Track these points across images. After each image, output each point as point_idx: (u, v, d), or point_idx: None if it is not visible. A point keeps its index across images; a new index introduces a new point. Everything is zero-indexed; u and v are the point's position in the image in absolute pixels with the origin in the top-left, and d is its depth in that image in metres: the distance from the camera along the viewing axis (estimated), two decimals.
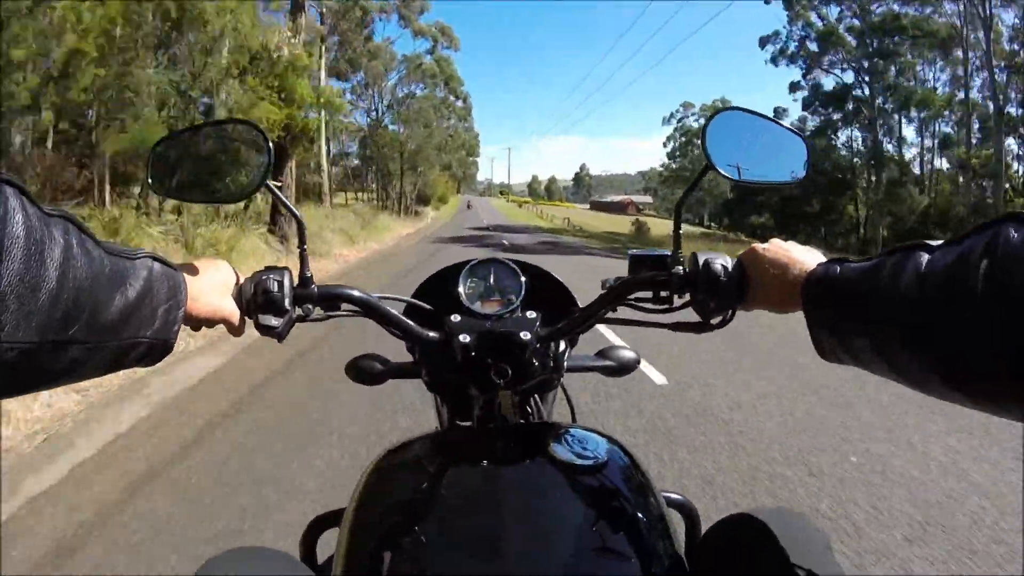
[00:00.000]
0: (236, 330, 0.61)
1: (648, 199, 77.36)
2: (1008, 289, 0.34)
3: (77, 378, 0.43)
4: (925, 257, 0.42)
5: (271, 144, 0.64)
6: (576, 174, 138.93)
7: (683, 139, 51.38)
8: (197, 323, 0.57)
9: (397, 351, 0.83)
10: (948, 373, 0.39)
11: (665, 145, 53.08)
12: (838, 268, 0.50)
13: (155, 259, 0.49)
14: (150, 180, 0.68)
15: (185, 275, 0.53)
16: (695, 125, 51.24)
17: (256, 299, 0.60)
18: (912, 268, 0.42)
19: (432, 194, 37.43)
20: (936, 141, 26.39)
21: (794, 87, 28.63)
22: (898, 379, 0.45)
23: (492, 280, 0.75)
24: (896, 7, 23.39)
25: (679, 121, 52.01)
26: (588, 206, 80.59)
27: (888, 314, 0.43)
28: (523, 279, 0.74)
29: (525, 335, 0.64)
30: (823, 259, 0.56)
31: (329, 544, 0.75)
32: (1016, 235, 0.35)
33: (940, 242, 0.43)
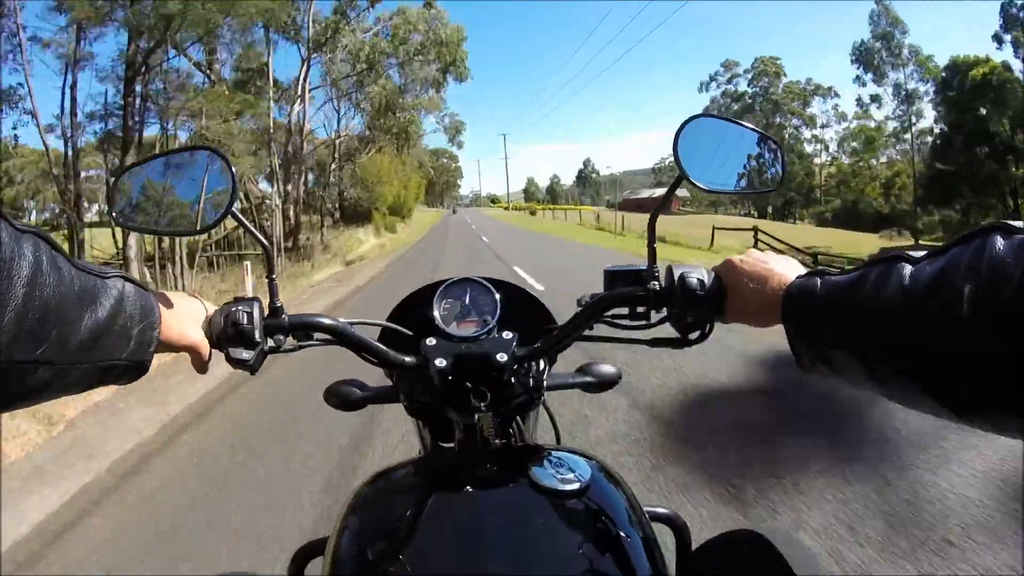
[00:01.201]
0: (201, 364, 0.59)
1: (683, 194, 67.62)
2: (995, 302, 0.33)
3: (48, 397, 0.42)
4: (908, 269, 0.41)
5: (234, 171, 0.63)
6: (580, 172, 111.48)
7: (730, 105, 46.50)
8: (164, 348, 0.56)
9: (377, 373, 0.81)
10: (934, 389, 0.38)
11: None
12: (818, 281, 0.49)
13: (127, 279, 0.48)
14: (112, 213, 0.66)
15: (158, 299, 0.52)
16: (744, 87, 46.67)
17: (226, 331, 0.59)
18: (895, 281, 0.40)
19: (379, 204, 22.48)
20: None
21: None
22: (882, 393, 0.44)
23: (467, 300, 0.74)
24: None
25: (721, 86, 47.19)
26: (607, 207, 63.82)
27: (871, 329, 0.42)
28: (498, 298, 0.73)
29: (502, 357, 0.63)
30: (802, 271, 0.55)
31: (313, 571, 0.73)
32: (1003, 245, 0.34)
33: (923, 253, 0.41)
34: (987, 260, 0.34)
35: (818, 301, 0.48)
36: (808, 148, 47.00)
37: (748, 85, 49.66)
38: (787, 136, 46.05)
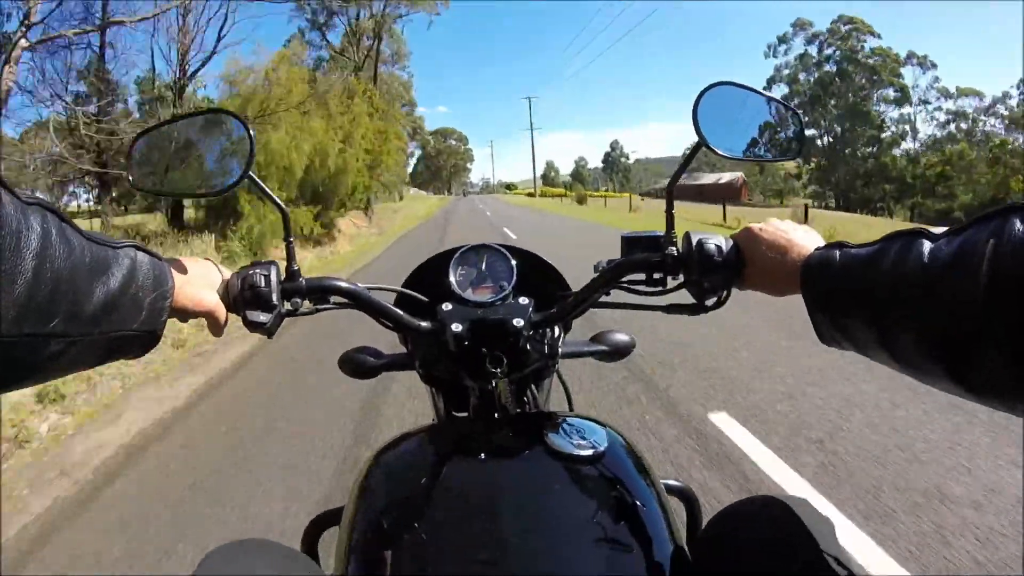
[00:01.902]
0: (218, 327, 0.59)
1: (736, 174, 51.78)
2: (1014, 280, 0.34)
3: (61, 372, 0.42)
4: (927, 245, 0.41)
5: (252, 133, 0.63)
6: (607, 156, 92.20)
7: (802, 74, 37.93)
8: (182, 314, 0.56)
9: (391, 343, 0.81)
10: (951, 364, 0.38)
11: (770, 87, 38.27)
12: (838, 253, 0.49)
13: (139, 249, 0.47)
14: (131, 177, 0.66)
15: (171, 267, 0.52)
16: (822, 50, 37.95)
17: (243, 295, 0.59)
18: (915, 257, 0.41)
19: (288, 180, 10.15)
20: None
21: None
22: (899, 367, 0.44)
23: (483, 266, 0.74)
24: None
25: (789, 49, 38.32)
26: (646, 194, 52.61)
27: (889, 303, 0.43)
28: (514, 264, 0.73)
29: (518, 322, 0.63)
30: (822, 242, 0.55)
31: (325, 542, 0.75)
32: (1021, 226, 0.35)
33: (942, 230, 0.42)
34: (1006, 240, 0.35)
35: (837, 272, 0.48)
36: (888, 128, 38.64)
37: (821, 50, 40.59)
38: (879, 114, 38.41)
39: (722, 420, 2.54)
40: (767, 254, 0.57)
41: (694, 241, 0.60)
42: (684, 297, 0.65)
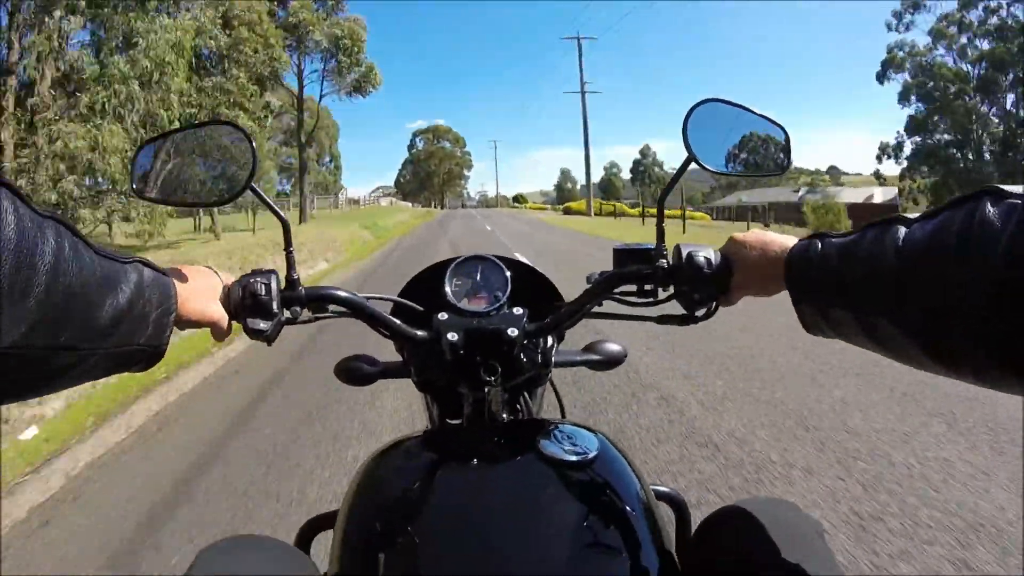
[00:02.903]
0: (222, 334, 0.61)
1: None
2: (986, 261, 0.35)
3: (68, 384, 0.42)
4: (903, 230, 0.43)
5: (255, 145, 0.64)
6: (637, 164, 74.59)
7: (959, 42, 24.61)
8: (185, 326, 0.57)
9: (386, 350, 0.82)
10: (927, 344, 0.40)
11: (885, 78, 27.73)
12: (819, 243, 0.51)
13: (145, 264, 0.49)
14: (133, 185, 0.68)
15: (174, 280, 0.53)
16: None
17: (244, 302, 0.60)
18: (891, 241, 0.43)
19: None
20: None
21: None
22: (879, 350, 0.46)
23: (478, 277, 0.76)
24: None
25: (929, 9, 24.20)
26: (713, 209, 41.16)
27: (867, 288, 0.44)
28: (508, 275, 0.75)
29: (513, 331, 0.65)
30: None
31: (319, 543, 0.75)
32: (992, 208, 0.36)
33: (917, 215, 0.43)
34: (977, 222, 0.36)
35: (817, 262, 0.50)
36: None
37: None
38: None
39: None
40: (751, 254, 0.59)
41: (684, 253, 0.62)
42: (675, 308, 0.66)
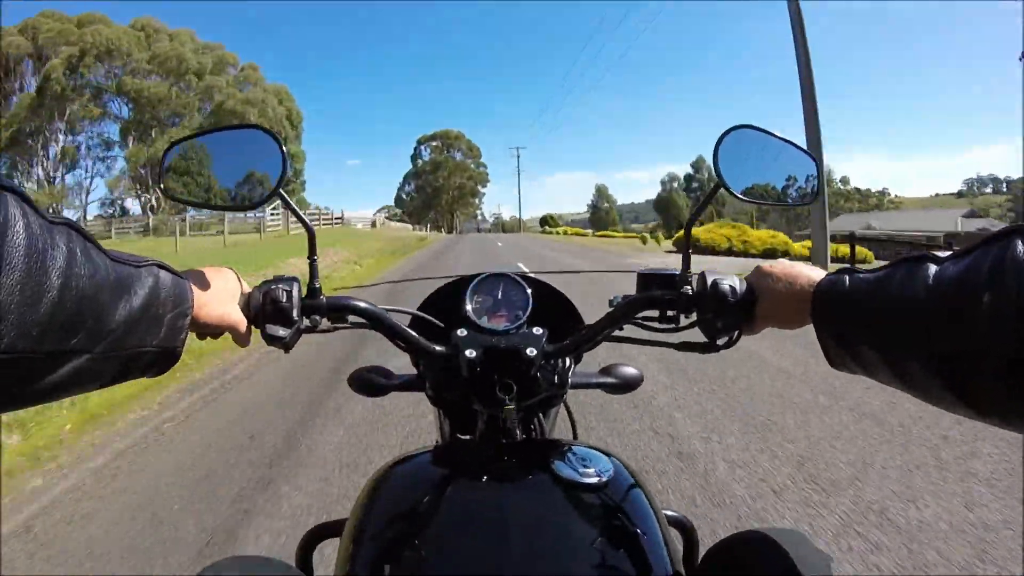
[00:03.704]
0: (242, 339, 0.60)
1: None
2: (1018, 301, 0.34)
3: (80, 389, 0.42)
4: (933, 268, 0.42)
5: (285, 150, 0.64)
6: (690, 177, 66.53)
7: None
8: (203, 330, 0.57)
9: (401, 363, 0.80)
10: (955, 385, 0.39)
11: None
12: (847, 279, 0.50)
13: (161, 267, 0.48)
14: (162, 184, 0.68)
15: (191, 283, 0.52)
16: None
17: (265, 309, 0.60)
18: (921, 279, 0.42)
19: None
20: None
21: None
22: (905, 389, 0.45)
23: (499, 295, 0.75)
24: None
25: None
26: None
27: (896, 327, 0.43)
28: (529, 294, 0.74)
29: (531, 351, 0.64)
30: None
31: (322, 553, 0.74)
32: (1023, 249, 0.35)
33: (948, 253, 0.43)
34: (1009, 262, 0.35)
35: (845, 298, 0.49)
36: None
37: None
38: None
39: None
40: (777, 286, 0.58)
41: (709, 281, 0.61)
42: (696, 335, 0.65)
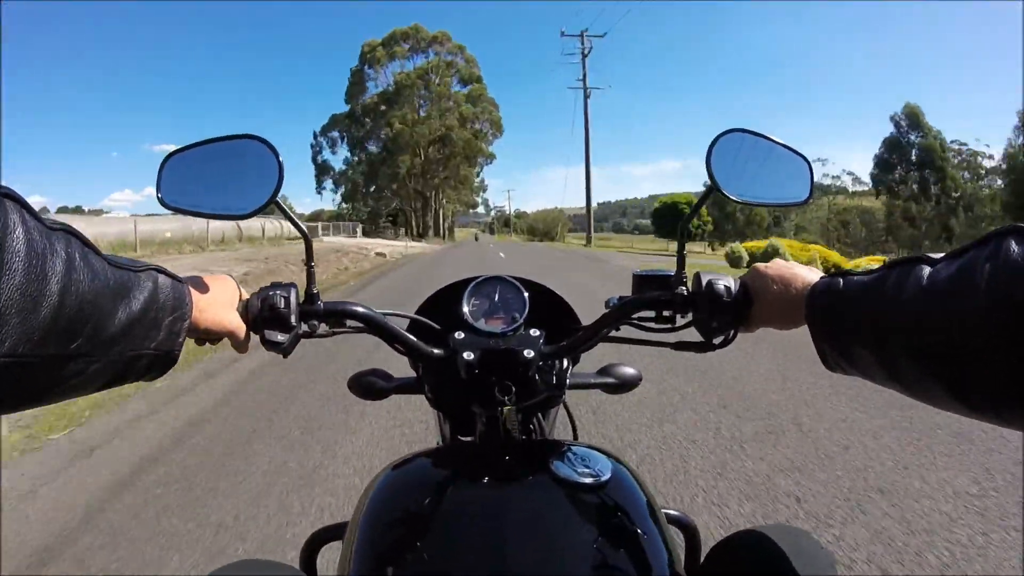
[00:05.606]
0: (241, 345, 0.61)
1: None
2: (1010, 300, 0.35)
3: (78, 392, 0.43)
4: (927, 270, 0.42)
5: (281, 160, 0.65)
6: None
7: None
8: (202, 335, 0.57)
9: (400, 367, 0.83)
10: (950, 384, 0.40)
11: None
12: (841, 281, 0.51)
13: (160, 271, 0.49)
14: (159, 193, 0.68)
15: (190, 288, 0.53)
16: None
17: (263, 314, 0.61)
18: (914, 280, 0.42)
19: None
20: None
21: None
22: (901, 390, 0.46)
23: (496, 298, 0.76)
24: None
25: None
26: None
27: (890, 328, 0.44)
28: (526, 296, 0.75)
29: (529, 353, 0.65)
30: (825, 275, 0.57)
31: (326, 557, 0.75)
32: (1017, 248, 0.36)
33: (941, 255, 0.43)
34: (1002, 262, 0.36)
35: (840, 300, 0.50)
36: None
37: None
38: None
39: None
40: (772, 287, 0.59)
41: (704, 281, 0.62)
42: (692, 334, 0.66)
